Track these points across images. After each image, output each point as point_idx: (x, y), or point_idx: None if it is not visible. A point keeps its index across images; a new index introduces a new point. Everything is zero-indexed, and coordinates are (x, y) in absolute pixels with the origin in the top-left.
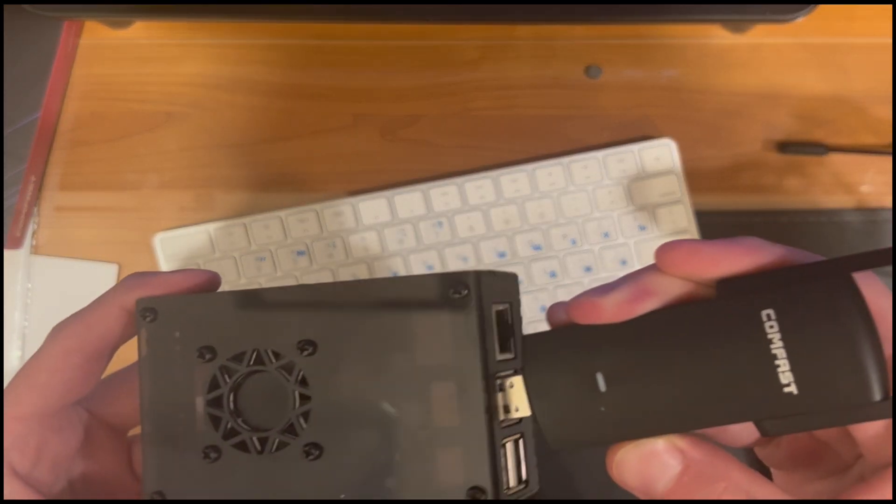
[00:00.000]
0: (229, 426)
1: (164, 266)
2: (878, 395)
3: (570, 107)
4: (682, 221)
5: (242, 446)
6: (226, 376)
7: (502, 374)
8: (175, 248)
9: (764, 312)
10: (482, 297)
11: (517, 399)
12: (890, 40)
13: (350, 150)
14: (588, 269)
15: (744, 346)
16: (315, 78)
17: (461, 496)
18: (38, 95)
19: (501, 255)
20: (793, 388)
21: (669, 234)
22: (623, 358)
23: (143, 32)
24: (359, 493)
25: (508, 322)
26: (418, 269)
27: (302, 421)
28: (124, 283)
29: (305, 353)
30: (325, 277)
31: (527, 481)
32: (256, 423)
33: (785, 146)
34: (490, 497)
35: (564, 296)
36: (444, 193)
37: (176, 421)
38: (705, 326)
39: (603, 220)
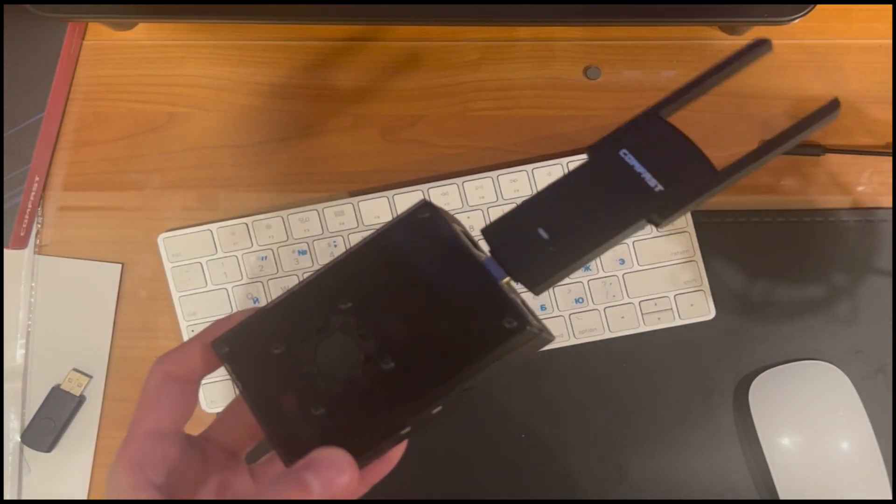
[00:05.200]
0: (325, 386)
1: (168, 265)
2: (713, 172)
3: (569, 107)
4: (679, 221)
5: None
6: (302, 351)
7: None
8: (178, 247)
9: (621, 152)
10: (441, 212)
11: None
12: (886, 41)
13: (350, 150)
14: (586, 268)
15: (620, 175)
16: (316, 78)
17: (501, 334)
18: (42, 96)
19: None
20: (660, 187)
21: (667, 234)
22: (551, 212)
23: (146, 34)
24: (434, 367)
25: (466, 233)
26: None
27: (371, 349)
28: (208, 328)
29: (347, 310)
30: None
31: (541, 327)
32: (342, 372)
33: None
34: (520, 327)
35: (563, 296)
36: (444, 193)
37: (285, 405)
38: (596, 175)
39: None
